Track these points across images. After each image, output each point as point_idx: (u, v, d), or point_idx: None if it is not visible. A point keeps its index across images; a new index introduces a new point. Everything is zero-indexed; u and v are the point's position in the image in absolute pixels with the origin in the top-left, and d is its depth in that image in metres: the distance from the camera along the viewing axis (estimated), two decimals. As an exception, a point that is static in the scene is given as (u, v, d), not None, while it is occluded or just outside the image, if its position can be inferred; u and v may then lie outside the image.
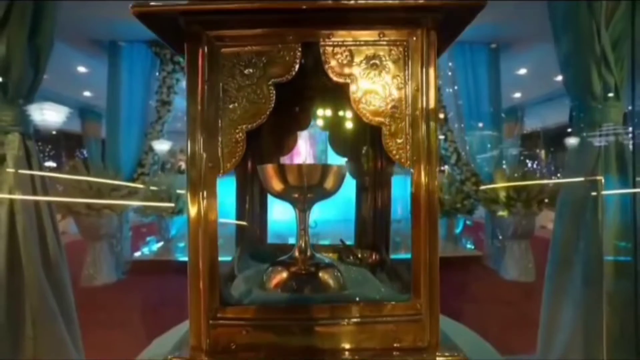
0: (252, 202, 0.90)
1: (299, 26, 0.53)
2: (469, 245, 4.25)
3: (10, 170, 1.29)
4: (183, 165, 7.16)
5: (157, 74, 3.81)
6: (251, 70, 0.53)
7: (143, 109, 3.83)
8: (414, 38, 0.53)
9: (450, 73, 3.93)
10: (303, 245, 0.67)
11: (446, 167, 4.28)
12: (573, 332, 1.30)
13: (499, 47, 3.93)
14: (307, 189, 0.64)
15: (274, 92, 0.53)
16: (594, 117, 1.33)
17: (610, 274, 1.25)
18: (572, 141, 1.47)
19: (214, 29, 0.53)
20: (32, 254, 1.29)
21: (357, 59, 0.54)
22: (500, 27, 3.46)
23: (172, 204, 3.60)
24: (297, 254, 0.67)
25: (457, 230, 4.27)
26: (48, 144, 7.32)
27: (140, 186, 3.52)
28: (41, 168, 1.41)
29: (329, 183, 0.65)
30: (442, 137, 4.04)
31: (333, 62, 0.53)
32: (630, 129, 1.33)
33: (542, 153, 8.01)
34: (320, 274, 0.65)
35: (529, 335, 1.54)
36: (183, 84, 3.77)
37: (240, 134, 0.53)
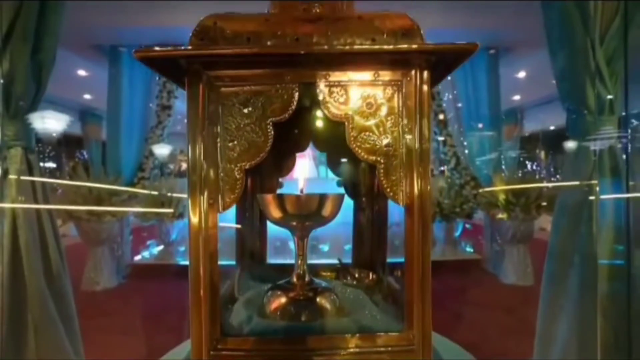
0: (251, 223, 0.92)
1: (297, 67, 0.54)
2: (468, 249, 4.26)
3: (13, 177, 1.32)
4: (184, 165, 7.17)
5: (157, 78, 3.83)
6: (250, 109, 0.55)
7: (143, 113, 3.85)
8: (408, 78, 0.55)
9: (449, 78, 3.94)
10: (301, 272, 0.68)
11: (445, 167, 4.29)
12: (569, 336, 1.32)
13: (498, 53, 3.94)
14: (305, 217, 0.66)
15: (272, 131, 0.55)
16: (589, 130, 1.35)
17: (605, 278, 1.27)
18: (568, 149, 1.49)
19: (214, 69, 0.54)
20: (35, 265, 1.31)
21: (353, 98, 0.55)
22: (499, 32, 3.48)
23: (172, 210, 3.61)
24: (295, 279, 0.69)
25: (457, 234, 4.28)
26: (49, 145, 7.34)
27: (141, 191, 3.54)
28: (42, 181, 1.42)
29: (326, 211, 0.67)
30: (441, 138, 4.06)
31: (329, 101, 0.55)
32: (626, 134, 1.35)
33: (542, 154, 8.04)
34: (318, 300, 0.67)
35: (526, 338, 1.56)
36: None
37: (239, 172, 0.54)
